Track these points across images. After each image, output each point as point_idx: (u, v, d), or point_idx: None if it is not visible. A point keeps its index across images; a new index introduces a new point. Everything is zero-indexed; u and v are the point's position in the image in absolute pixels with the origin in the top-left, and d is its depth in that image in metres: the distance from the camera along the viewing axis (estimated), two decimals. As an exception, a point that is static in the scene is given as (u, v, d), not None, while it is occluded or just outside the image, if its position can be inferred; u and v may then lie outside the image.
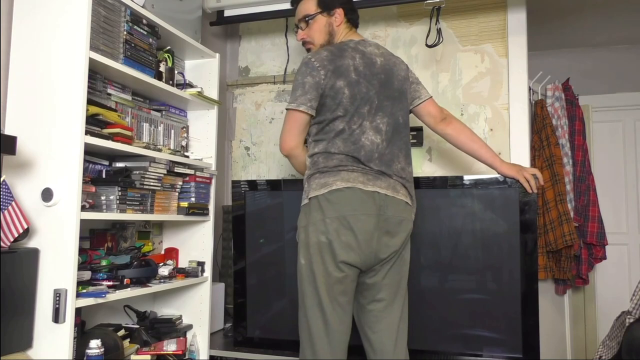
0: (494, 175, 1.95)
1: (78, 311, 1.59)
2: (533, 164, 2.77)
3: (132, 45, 1.82)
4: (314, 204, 1.62)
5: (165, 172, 1.97)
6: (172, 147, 2.17)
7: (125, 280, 1.79)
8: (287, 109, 1.69)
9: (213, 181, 2.28)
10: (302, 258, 1.64)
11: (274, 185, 2.21)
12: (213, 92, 2.30)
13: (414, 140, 2.50)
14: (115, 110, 1.83)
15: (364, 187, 1.61)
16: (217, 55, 2.33)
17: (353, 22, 1.84)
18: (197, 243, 2.27)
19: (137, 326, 2.02)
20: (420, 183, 2.03)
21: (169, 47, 2.11)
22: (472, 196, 2.00)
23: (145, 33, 1.89)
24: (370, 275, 1.67)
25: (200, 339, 2.21)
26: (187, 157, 2.14)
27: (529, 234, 1.91)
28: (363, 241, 1.59)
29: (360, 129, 1.66)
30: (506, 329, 1.93)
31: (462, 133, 1.88)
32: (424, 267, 2.03)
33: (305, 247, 1.63)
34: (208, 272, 2.25)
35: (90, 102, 1.64)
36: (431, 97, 1.88)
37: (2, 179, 1.48)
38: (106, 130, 1.71)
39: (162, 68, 2.01)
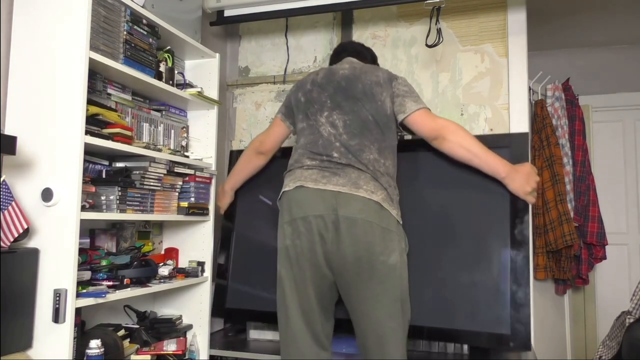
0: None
1: (78, 311, 1.59)
2: (533, 164, 2.77)
3: (132, 45, 1.82)
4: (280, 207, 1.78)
5: (165, 172, 1.97)
6: (172, 147, 2.17)
7: (125, 280, 1.79)
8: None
9: (213, 181, 2.28)
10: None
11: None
12: (213, 92, 2.30)
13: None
14: (115, 110, 1.83)
15: (315, 185, 1.64)
16: (217, 55, 2.33)
17: (332, 63, 2.07)
18: (197, 243, 2.27)
19: (137, 326, 2.02)
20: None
21: (169, 47, 2.11)
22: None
23: (145, 33, 1.89)
24: (340, 285, 1.68)
25: (200, 339, 2.21)
26: (187, 157, 2.14)
27: (519, 219, 1.90)
28: (312, 242, 1.62)
29: (316, 122, 1.82)
30: (497, 318, 1.88)
31: (457, 151, 1.78)
32: (409, 258, 2.00)
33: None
34: (208, 272, 2.25)
35: (90, 102, 1.64)
36: (419, 109, 1.77)
37: (2, 179, 1.48)
38: (106, 130, 1.71)
39: (162, 68, 2.01)
